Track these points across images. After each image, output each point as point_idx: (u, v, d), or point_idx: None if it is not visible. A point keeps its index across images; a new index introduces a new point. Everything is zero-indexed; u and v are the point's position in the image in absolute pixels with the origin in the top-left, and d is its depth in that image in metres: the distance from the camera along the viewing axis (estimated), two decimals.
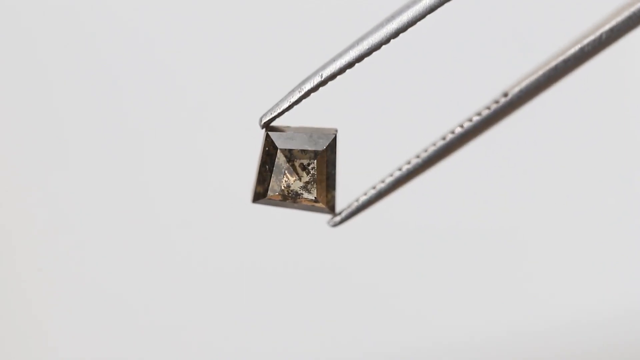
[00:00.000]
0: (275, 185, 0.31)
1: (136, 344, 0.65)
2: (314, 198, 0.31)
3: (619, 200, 0.63)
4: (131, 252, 0.65)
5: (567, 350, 0.62)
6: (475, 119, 0.31)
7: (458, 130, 0.31)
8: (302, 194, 0.31)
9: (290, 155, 0.31)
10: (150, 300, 0.65)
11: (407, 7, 0.36)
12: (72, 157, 0.65)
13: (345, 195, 0.33)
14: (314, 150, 0.31)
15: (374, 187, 0.31)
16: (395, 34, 0.37)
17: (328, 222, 0.31)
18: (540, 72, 0.30)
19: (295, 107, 0.35)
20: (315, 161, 0.31)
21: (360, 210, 0.31)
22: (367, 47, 0.36)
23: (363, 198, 0.31)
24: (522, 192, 0.63)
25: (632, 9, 0.30)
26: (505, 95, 0.31)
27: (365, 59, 0.36)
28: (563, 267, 0.63)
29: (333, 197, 0.32)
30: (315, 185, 0.31)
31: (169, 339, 0.65)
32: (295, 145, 0.32)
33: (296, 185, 0.31)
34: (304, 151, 0.31)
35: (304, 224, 0.58)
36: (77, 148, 0.65)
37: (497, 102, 0.31)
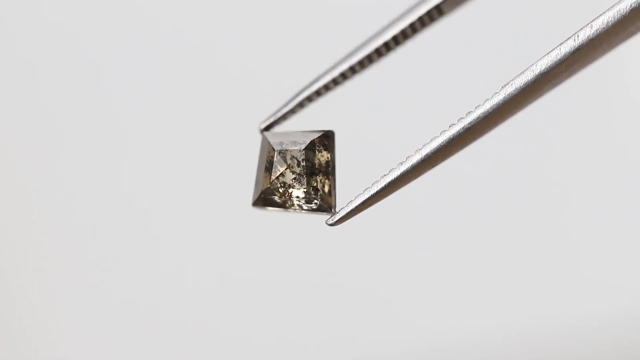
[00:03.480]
0: (268, 181, 0.31)
1: (136, 344, 0.65)
2: (305, 190, 0.31)
3: (623, 199, 0.62)
4: (131, 255, 0.65)
5: (566, 353, 0.61)
6: (476, 112, 0.31)
7: (459, 124, 0.30)
8: (295, 185, 0.31)
9: (281, 148, 0.31)
10: (150, 301, 0.64)
11: (410, 9, 0.36)
12: (70, 157, 0.65)
13: (348, 199, 0.32)
14: (305, 142, 0.31)
15: (373, 185, 0.31)
16: (396, 41, 0.37)
17: (326, 222, 0.31)
18: (538, 62, 0.30)
19: (295, 115, 0.35)
20: (305, 152, 0.31)
21: (359, 209, 0.30)
22: (367, 52, 0.36)
23: (362, 196, 0.31)
24: (526, 191, 0.62)
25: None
26: (503, 87, 0.30)
27: (369, 65, 0.36)
28: (566, 268, 0.63)
29: (329, 194, 0.31)
30: (305, 178, 0.31)
31: (169, 339, 0.64)
32: (288, 139, 0.31)
33: (288, 177, 0.31)
34: (294, 142, 0.31)
35: (305, 230, 0.58)
36: (77, 148, 0.65)
37: (497, 93, 0.30)
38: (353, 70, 0.36)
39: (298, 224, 0.59)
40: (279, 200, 0.31)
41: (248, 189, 0.33)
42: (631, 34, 0.31)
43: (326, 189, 0.31)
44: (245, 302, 0.64)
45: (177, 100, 0.64)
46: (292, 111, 0.35)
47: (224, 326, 0.64)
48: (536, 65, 0.30)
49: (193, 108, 0.64)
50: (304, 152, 0.31)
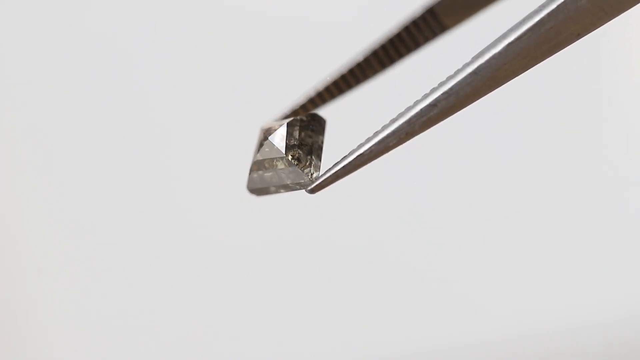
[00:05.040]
0: (254, 159, 0.33)
1: (139, 341, 0.64)
2: (288, 162, 0.32)
3: (622, 196, 0.61)
4: (132, 249, 0.65)
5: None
6: (449, 82, 0.32)
7: (450, 83, 0.31)
8: (278, 158, 0.32)
9: (268, 130, 0.33)
10: (152, 295, 0.65)
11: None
12: (69, 154, 0.67)
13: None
14: (289, 119, 0.33)
15: (352, 152, 0.32)
16: (399, 53, 0.38)
17: (306, 189, 0.32)
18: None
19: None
20: (287, 128, 0.32)
21: (338, 175, 0.32)
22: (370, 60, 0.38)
23: (341, 163, 0.32)
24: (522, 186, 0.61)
25: None
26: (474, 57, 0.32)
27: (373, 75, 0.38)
28: (566, 265, 0.61)
29: (315, 172, 0.32)
30: (289, 150, 0.32)
31: (171, 333, 0.64)
32: (277, 123, 0.33)
33: (271, 150, 0.32)
34: (281, 123, 0.33)
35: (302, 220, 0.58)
36: (75, 146, 0.67)
37: (467, 64, 0.32)
38: (355, 77, 0.38)
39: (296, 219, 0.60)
40: (267, 176, 0.33)
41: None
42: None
43: (312, 169, 0.33)
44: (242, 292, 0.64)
45: (180, 100, 0.66)
46: (295, 113, 0.37)
47: (218, 317, 0.64)
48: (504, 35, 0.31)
49: (199, 112, 0.66)
50: (286, 127, 0.33)
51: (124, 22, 0.68)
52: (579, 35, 0.32)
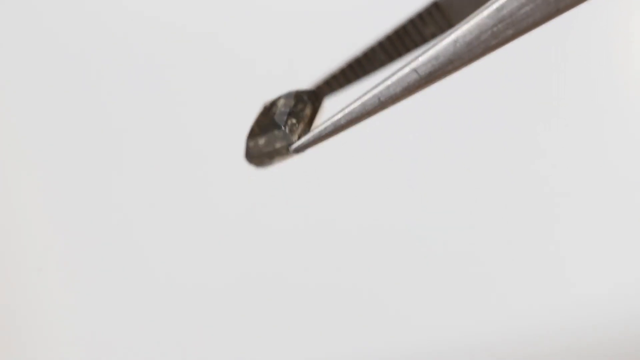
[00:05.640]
0: (251, 128, 0.34)
1: (140, 341, 0.65)
2: (282, 129, 0.33)
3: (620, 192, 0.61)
4: (132, 248, 0.66)
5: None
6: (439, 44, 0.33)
7: (431, 50, 0.32)
8: (273, 125, 0.33)
9: (267, 102, 0.34)
10: (152, 294, 0.65)
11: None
12: (67, 153, 0.67)
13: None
14: (288, 92, 0.34)
15: (339, 112, 0.33)
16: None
17: (290, 148, 0.33)
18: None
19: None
20: (285, 100, 0.34)
21: (325, 135, 0.33)
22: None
23: (328, 122, 0.33)
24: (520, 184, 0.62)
25: None
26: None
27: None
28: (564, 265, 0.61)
29: (301, 135, 0.33)
30: (283, 117, 0.33)
31: (171, 332, 0.64)
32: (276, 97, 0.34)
33: (268, 119, 0.34)
34: (279, 97, 0.34)
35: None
36: (73, 145, 0.67)
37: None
38: (362, 67, 0.39)
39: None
40: (261, 144, 0.34)
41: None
42: None
43: (301, 124, 0.34)
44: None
45: (187, 92, 0.67)
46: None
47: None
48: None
49: (205, 102, 0.67)
50: (284, 99, 0.34)
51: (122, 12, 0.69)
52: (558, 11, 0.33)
